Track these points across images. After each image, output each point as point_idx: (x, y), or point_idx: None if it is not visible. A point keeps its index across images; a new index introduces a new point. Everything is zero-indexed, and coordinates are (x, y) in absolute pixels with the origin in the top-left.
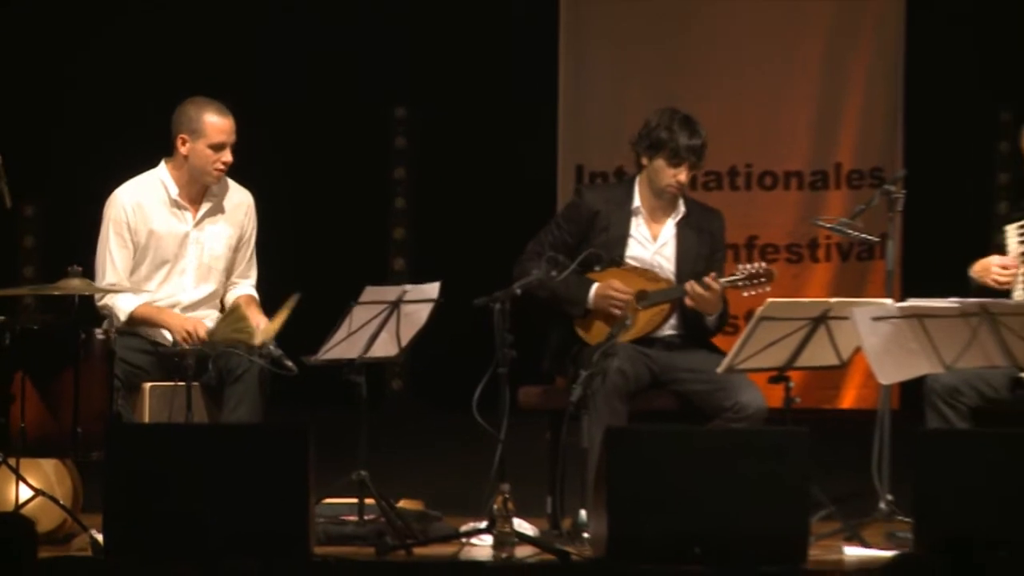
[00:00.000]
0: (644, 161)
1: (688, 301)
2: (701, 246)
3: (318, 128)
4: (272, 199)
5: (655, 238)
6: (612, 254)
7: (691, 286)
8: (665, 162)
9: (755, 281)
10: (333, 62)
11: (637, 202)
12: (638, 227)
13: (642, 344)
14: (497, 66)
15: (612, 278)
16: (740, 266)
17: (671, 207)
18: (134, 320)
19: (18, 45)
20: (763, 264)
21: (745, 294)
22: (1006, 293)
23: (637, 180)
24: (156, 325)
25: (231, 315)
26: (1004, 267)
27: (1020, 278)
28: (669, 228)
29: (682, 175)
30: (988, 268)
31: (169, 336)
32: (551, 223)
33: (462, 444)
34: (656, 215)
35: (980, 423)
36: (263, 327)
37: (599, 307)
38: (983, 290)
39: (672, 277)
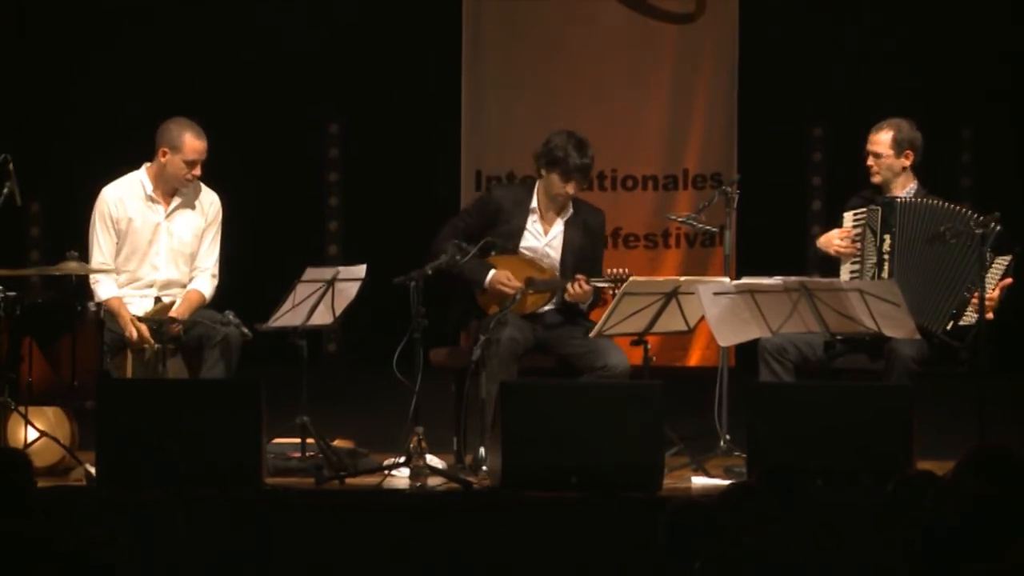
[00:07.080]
0: (542, 172)
1: (567, 296)
2: (584, 240)
3: (272, 140)
4: (234, 196)
5: (546, 233)
6: (509, 243)
7: (569, 286)
8: (558, 177)
9: (617, 284)
10: (284, 87)
11: (535, 203)
12: (533, 223)
13: (528, 319)
14: (413, 89)
15: (508, 264)
16: (608, 271)
17: (562, 208)
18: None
19: (25, 63)
20: (625, 270)
21: (610, 293)
22: (837, 261)
23: (536, 184)
24: (117, 317)
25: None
26: (842, 237)
27: (850, 258)
28: (559, 226)
29: (570, 188)
30: (831, 240)
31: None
32: (463, 211)
33: (385, 394)
34: (549, 215)
35: (801, 377)
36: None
37: (493, 290)
38: (826, 258)
39: (557, 265)
